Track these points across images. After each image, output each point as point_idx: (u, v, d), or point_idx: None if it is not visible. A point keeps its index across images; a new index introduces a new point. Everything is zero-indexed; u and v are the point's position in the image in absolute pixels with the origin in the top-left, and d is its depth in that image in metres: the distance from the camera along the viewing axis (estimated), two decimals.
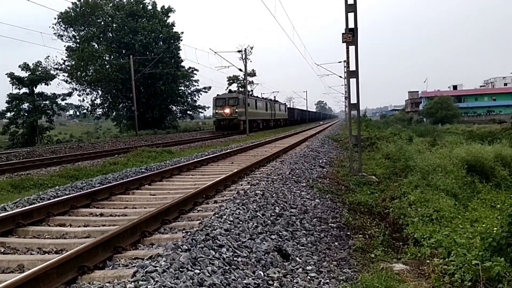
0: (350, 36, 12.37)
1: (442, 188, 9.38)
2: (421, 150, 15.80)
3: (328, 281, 4.89)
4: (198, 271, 4.12)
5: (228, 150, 17.87)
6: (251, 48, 74.66)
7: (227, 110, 42.51)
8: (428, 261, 5.50)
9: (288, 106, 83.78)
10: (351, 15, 12.60)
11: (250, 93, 51.66)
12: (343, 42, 12.51)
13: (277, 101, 67.66)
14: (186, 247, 4.58)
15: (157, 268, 3.94)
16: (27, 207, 6.78)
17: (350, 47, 12.57)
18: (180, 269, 4.05)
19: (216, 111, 43.31)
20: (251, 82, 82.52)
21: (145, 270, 3.92)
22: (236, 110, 42.15)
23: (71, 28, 52.06)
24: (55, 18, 51.03)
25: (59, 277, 3.94)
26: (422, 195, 8.69)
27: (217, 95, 45.81)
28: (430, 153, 14.44)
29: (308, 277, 4.93)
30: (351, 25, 12.55)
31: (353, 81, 12.88)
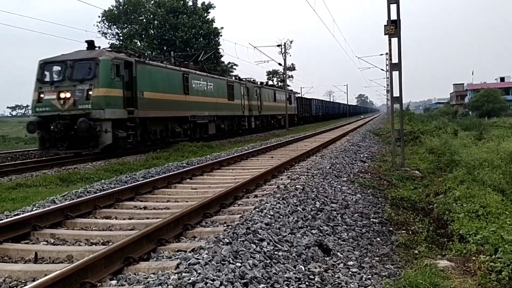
0: (393, 28, 12.11)
1: (489, 184, 9.08)
2: (467, 144, 15.34)
3: (370, 276, 4.84)
4: (240, 264, 4.16)
5: (268, 145, 17.92)
6: (291, 42, 73.96)
7: (65, 95, 16.32)
8: (474, 258, 5.34)
9: (302, 95, 60.99)
10: (393, 7, 12.32)
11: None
12: (385, 34, 12.26)
13: (273, 86, 46.14)
14: (228, 241, 4.63)
15: (199, 260, 4.01)
16: (75, 200, 7.04)
17: (392, 39, 12.31)
18: (222, 262, 4.10)
19: (41, 95, 16.72)
20: (291, 76, 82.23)
21: (188, 262, 3.99)
22: (90, 92, 16.21)
23: (114, 26, 53.38)
24: (99, 16, 52.53)
25: (106, 268, 4.07)
26: (468, 190, 8.43)
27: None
28: (476, 147, 13.99)
29: (350, 272, 4.89)
30: (393, 16, 12.29)
31: (395, 74, 12.61)
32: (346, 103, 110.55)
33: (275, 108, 41.08)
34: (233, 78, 33.41)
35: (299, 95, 57.03)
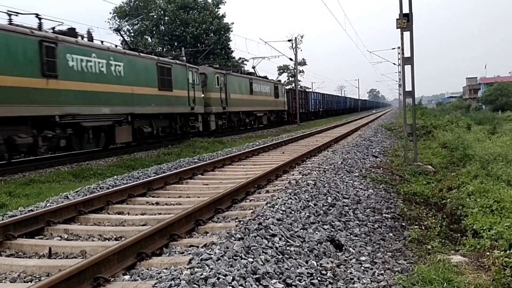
0: (405, 22, 11.99)
1: (504, 178, 8.98)
2: (480, 139, 15.19)
3: (382, 272, 4.81)
4: (252, 260, 4.16)
5: (279, 140, 17.90)
6: (302, 37, 73.50)
7: None
8: (488, 253, 5.29)
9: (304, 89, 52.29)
10: (405, 0, 12.22)
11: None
12: (397, 28, 12.14)
13: (251, 74, 34.18)
14: (240, 236, 4.63)
15: (211, 256, 4.02)
16: (88, 196, 7.11)
17: (404, 33, 12.20)
18: (234, 257, 4.10)
19: None
20: (302, 72, 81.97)
21: (200, 257, 4.00)
22: None
23: (125, 22, 53.61)
24: (110, 13, 52.82)
25: (119, 263, 4.10)
26: (482, 185, 8.35)
27: None
28: (489, 141, 13.85)
29: (362, 267, 4.87)
30: (406, 10, 12.18)
31: (407, 68, 12.51)
32: (357, 97, 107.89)
33: (251, 102, 30.69)
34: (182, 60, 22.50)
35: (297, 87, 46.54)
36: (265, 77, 36.54)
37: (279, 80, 39.93)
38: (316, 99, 54.20)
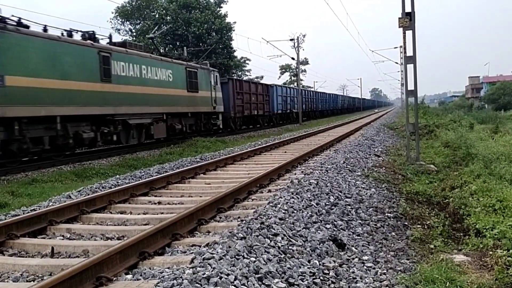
0: (407, 21, 11.96)
1: (507, 178, 8.95)
2: (483, 138, 15.15)
3: (385, 271, 4.80)
4: (254, 259, 4.16)
5: (281, 140, 17.89)
6: (304, 36, 73.27)
7: None
8: (490, 252, 5.27)
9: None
10: None
11: None
12: (399, 27, 12.11)
13: (115, 43, 16.59)
14: (242, 235, 4.63)
15: (214, 255, 4.01)
16: (90, 195, 7.11)
17: (407, 32, 12.17)
18: (236, 257, 4.10)
19: None
20: (304, 71, 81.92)
21: (203, 257, 4.00)
22: None
23: (127, 22, 53.70)
24: (112, 13, 52.95)
25: (122, 262, 4.10)
26: (484, 184, 8.33)
27: None
28: (492, 140, 13.81)
29: (365, 267, 4.86)
30: (408, 9, 12.15)
31: (410, 67, 12.48)
32: (355, 96, 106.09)
33: (108, 97, 15.37)
34: None
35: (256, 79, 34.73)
36: (161, 55, 20.94)
37: (206, 63, 24.62)
38: (286, 96, 39.73)
